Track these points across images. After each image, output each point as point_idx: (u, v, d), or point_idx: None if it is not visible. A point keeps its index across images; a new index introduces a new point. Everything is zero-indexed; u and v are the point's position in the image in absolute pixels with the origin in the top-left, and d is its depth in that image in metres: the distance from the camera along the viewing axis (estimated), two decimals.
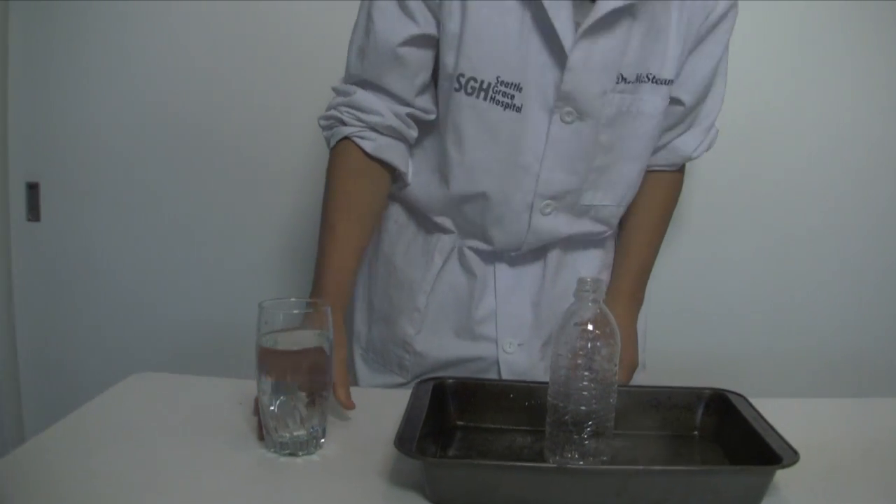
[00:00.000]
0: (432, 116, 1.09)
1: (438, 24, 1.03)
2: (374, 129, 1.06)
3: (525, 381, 0.94)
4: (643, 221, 1.20)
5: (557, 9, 0.97)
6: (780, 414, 0.83)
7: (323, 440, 0.86)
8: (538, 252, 1.13)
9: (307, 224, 1.63)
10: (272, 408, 0.82)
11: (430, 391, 0.89)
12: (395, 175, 1.12)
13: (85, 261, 1.71)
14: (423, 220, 1.15)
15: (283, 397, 0.82)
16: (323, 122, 1.10)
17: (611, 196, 1.12)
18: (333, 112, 1.08)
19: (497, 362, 1.13)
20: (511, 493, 0.72)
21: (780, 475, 0.75)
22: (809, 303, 1.68)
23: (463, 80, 1.02)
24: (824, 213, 1.66)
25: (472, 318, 1.13)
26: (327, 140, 1.10)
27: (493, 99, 1.02)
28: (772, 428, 0.80)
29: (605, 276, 1.20)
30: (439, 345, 1.14)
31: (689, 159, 1.19)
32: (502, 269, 1.13)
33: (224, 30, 1.62)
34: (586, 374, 0.78)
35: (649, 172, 1.17)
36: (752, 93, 1.54)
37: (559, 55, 0.99)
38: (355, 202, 1.08)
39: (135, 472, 0.79)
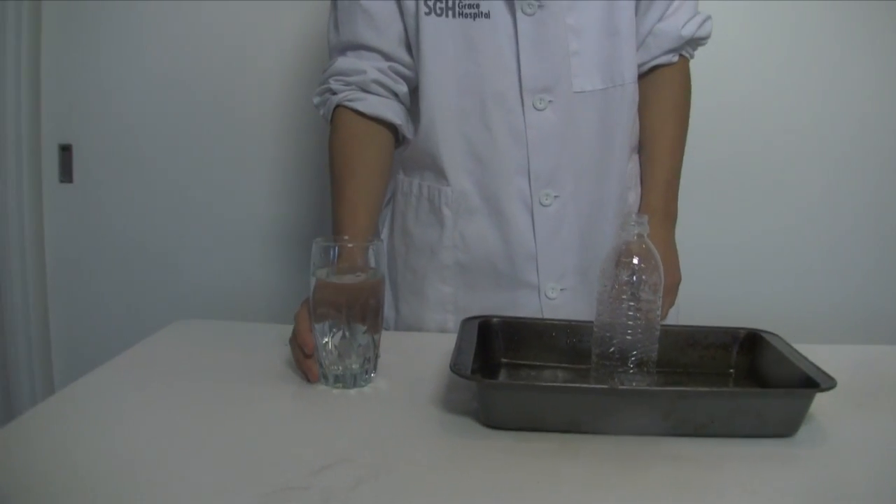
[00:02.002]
0: (411, 72, 1.10)
1: None
2: (363, 88, 1.07)
3: (568, 320, 0.97)
4: (658, 127, 1.17)
5: None
6: (813, 356, 0.85)
7: (374, 374, 0.89)
8: (578, 187, 1.10)
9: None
10: (326, 339, 0.85)
11: (476, 328, 0.92)
12: (396, 135, 1.12)
13: (117, 222, 1.74)
14: (423, 175, 1.14)
15: (339, 329, 0.84)
16: (316, 100, 1.12)
17: (599, 77, 1.08)
18: (321, 88, 1.10)
19: (541, 311, 1.11)
20: (562, 416, 0.75)
21: (816, 405, 0.78)
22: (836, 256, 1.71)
23: (431, 4, 1.04)
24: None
25: (512, 264, 1.11)
26: (324, 117, 1.12)
27: (461, 13, 1.04)
28: (807, 359, 0.83)
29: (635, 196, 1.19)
30: (479, 297, 1.12)
31: (683, 39, 1.15)
32: (539, 210, 1.09)
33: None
34: (632, 304, 0.80)
35: (650, 73, 1.16)
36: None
37: None
38: (359, 165, 1.08)
39: (188, 411, 0.81)
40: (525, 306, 1.10)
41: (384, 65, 1.08)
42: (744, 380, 0.92)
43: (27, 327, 1.71)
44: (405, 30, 1.08)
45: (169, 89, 1.68)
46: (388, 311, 1.19)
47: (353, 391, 0.86)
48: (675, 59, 1.17)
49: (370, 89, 1.08)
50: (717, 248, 1.70)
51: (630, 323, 0.81)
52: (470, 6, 1.03)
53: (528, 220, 1.10)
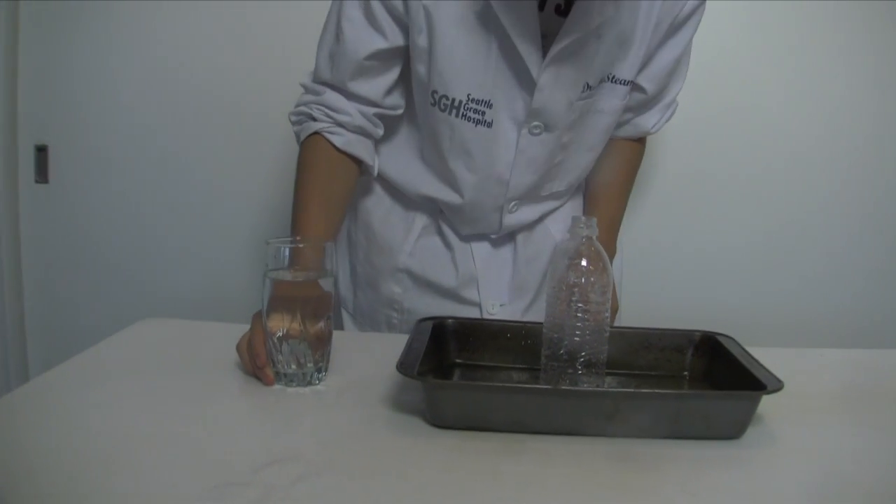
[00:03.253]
0: (400, 111, 1.12)
1: (407, 35, 1.04)
2: (343, 125, 1.08)
3: (521, 322, 0.98)
4: (609, 179, 1.23)
5: (524, 37, 0.98)
6: (766, 359, 0.86)
7: (325, 373, 0.89)
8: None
9: None
10: (279, 338, 0.85)
11: (430, 329, 0.92)
12: (361, 168, 1.14)
13: (92, 222, 1.74)
14: (401, 196, 1.19)
15: (290, 329, 0.85)
16: (293, 118, 1.13)
17: (566, 182, 1.17)
18: (303, 108, 1.10)
19: None
20: (508, 415, 0.75)
21: (765, 407, 0.78)
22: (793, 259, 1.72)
23: (437, 97, 1.04)
24: (808, 176, 1.69)
25: (455, 283, 1.18)
26: (297, 135, 1.12)
27: (464, 116, 1.05)
28: (758, 362, 0.84)
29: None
30: (426, 303, 1.18)
31: (649, 133, 1.22)
32: (478, 245, 1.18)
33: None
34: (580, 305, 0.81)
35: (611, 140, 1.19)
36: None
37: (527, 80, 1.01)
38: (325, 188, 1.09)
39: (143, 406, 0.82)
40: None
41: (369, 111, 1.09)
42: (698, 382, 0.93)
43: (3, 327, 1.71)
44: (399, 76, 1.09)
45: (145, 90, 1.68)
46: (346, 293, 1.26)
47: (306, 389, 0.87)
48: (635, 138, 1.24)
49: (350, 129, 1.09)
50: (710, 251, 1.71)
51: (578, 325, 0.81)
52: (476, 112, 1.05)
53: (469, 251, 1.18)
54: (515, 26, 0.97)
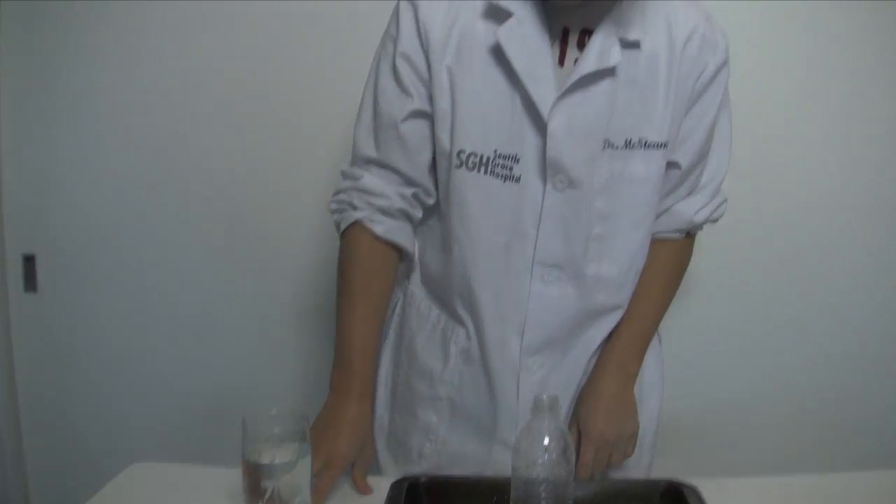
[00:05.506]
0: (433, 200, 1.13)
1: (430, 100, 1.06)
2: (383, 211, 1.10)
3: (493, 477, 1.00)
4: (641, 290, 1.16)
5: (535, 78, 1.00)
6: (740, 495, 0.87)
7: None
8: (561, 351, 1.13)
9: (308, 295, 1.72)
10: None
11: (404, 490, 0.95)
12: (402, 255, 1.15)
13: (83, 331, 1.77)
14: (443, 307, 1.17)
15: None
16: (334, 206, 1.13)
17: (616, 266, 1.11)
18: (343, 196, 1.12)
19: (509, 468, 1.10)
20: None
21: None
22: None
23: (464, 156, 1.05)
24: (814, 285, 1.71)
25: (494, 420, 1.13)
26: (337, 224, 1.13)
27: (492, 172, 1.05)
28: None
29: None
30: (459, 440, 1.15)
31: (693, 224, 1.17)
32: (526, 372, 1.12)
33: (223, 97, 1.67)
34: (542, 487, 0.84)
35: (653, 240, 1.16)
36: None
37: (540, 123, 1.02)
38: (368, 289, 1.11)
39: None
40: (497, 462, 1.11)
41: (408, 191, 1.10)
42: None
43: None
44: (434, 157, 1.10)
45: (133, 199, 1.71)
46: (383, 412, 1.24)
47: None
48: (681, 236, 1.19)
49: (390, 214, 1.10)
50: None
51: (543, 496, 0.84)
52: (504, 167, 1.04)
53: (514, 385, 1.12)
54: (528, 72, 1.00)
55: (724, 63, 1.09)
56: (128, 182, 1.71)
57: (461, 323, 1.14)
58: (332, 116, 1.56)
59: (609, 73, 1.02)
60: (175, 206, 1.72)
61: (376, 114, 1.08)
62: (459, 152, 1.05)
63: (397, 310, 1.24)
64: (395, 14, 1.08)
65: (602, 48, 1.01)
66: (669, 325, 1.25)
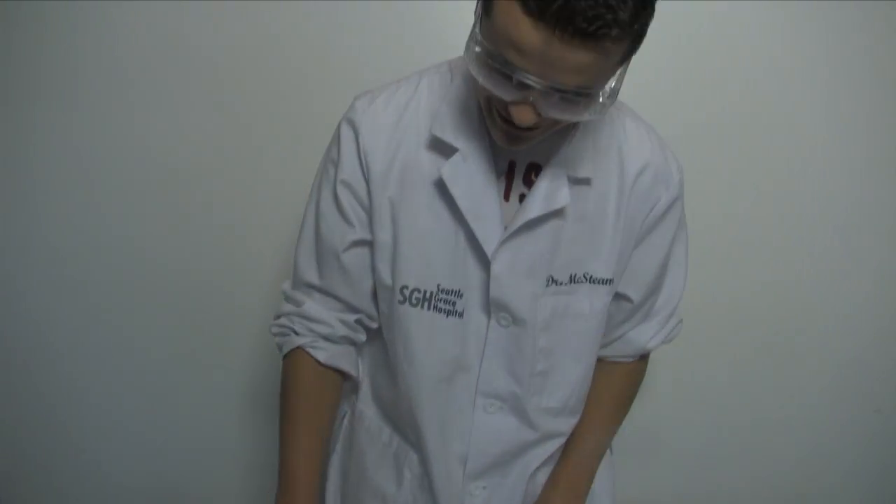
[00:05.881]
0: (376, 324, 1.11)
1: (371, 231, 1.04)
2: (325, 338, 1.09)
3: None
4: (593, 411, 1.16)
5: (479, 217, 0.98)
6: None
7: None
8: (501, 474, 1.13)
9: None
10: None
11: None
12: (345, 377, 1.14)
13: None
14: (395, 429, 1.16)
15: None
16: (275, 329, 1.12)
17: (557, 398, 1.10)
18: (284, 321, 1.11)
19: None
20: None
21: None
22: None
23: (407, 292, 1.03)
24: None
25: None
26: (279, 346, 1.13)
27: (435, 307, 1.03)
28: None
29: None
30: None
31: (646, 350, 1.16)
32: (469, 497, 1.11)
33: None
34: None
35: (604, 362, 1.16)
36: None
37: (484, 260, 1.00)
38: (312, 414, 1.09)
39: None
40: None
41: (351, 318, 1.09)
42: None
43: None
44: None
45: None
46: None
47: None
48: (634, 359, 1.19)
49: (333, 340, 1.09)
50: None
51: None
52: (447, 301, 1.03)
53: None
54: (473, 211, 0.98)
55: (678, 197, 1.07)
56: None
57: (414, 447, 1.13)
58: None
59: (557, 213, 0.98)
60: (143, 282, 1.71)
61: (318, 238, 1.06)
62: (402, 288, 1.03)
63: (345, 423, 1.21)
64: (337, 137, 1.03)
65: (550, 189, 0.97)
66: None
